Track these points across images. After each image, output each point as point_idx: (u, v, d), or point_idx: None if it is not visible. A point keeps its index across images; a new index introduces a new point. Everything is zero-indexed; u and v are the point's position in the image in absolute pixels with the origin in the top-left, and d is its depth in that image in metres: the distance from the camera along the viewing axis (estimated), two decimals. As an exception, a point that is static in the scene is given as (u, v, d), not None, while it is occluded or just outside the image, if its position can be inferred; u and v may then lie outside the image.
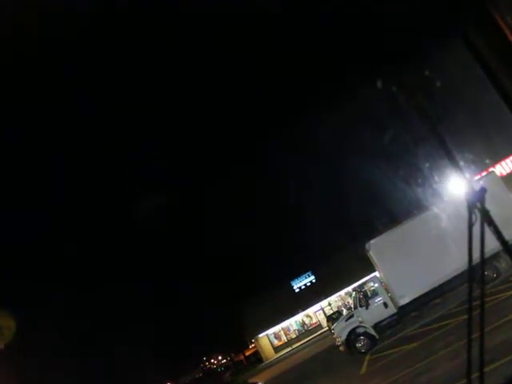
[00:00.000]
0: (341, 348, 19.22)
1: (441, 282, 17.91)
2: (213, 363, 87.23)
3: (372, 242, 19.71)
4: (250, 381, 19.76)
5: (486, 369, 2.12)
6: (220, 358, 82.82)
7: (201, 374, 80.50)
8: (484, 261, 2.21)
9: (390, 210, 23.14)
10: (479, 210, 2.22)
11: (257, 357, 54.56)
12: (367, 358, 17.19)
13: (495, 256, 16.46)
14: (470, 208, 2.22)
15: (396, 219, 21.42)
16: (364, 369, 15.67)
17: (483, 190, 2.27)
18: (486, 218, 2.22)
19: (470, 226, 2.21)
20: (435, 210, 17.32)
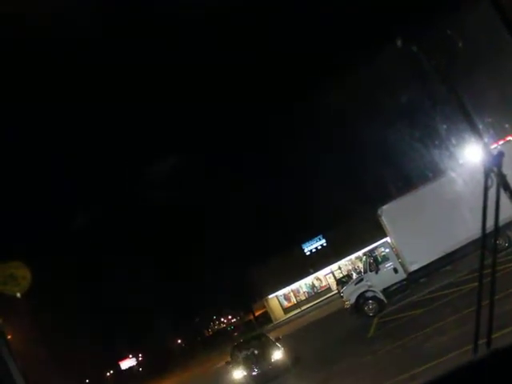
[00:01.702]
0: (349, 311, 19.36)
1: (452, 249, 17.86)
2: (223, 322, 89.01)
3: (384, 207, 19.63)
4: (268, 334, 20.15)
5: (494, 335, 2.05)
6: (230, 317, 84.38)
7: (211, 333, 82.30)
8: (498, 225, 2.11)
9: (405, 175, 22.89)
10: (496, 175, 2.11)
11: (266, 317, 55.41)
12: (375, 321, 17.32)
13: (508, 225, 16.33)
14: (487, 172, 2.11)
15: (411, 184, 21.21)
16: (371, 332, 15.81)
17: (501, 154, 2.17)
18: (503, 183, 2.11)
19: (486, 189, 2.11)
20: (450, 176, 17.06)
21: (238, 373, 17.30)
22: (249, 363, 17.39)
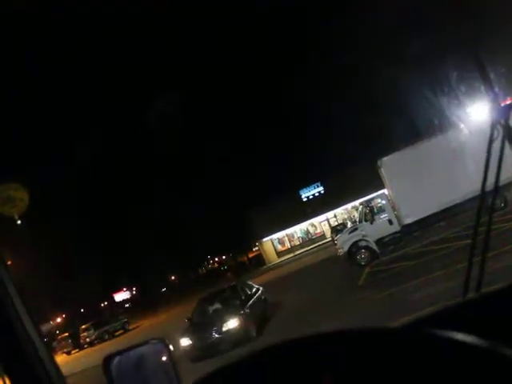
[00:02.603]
0: (342, 259, 19.66)
1: (448, 205, 17.97)
2: (217, 262, 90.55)
3: (385, 158, 19.60)
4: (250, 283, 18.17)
5: (484, 290, 2.08)
6: (224, 257, 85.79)
7: (204, 271, 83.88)
8: (499, 178, 2.10)
9: (410, 126, 22.61)
10: (502, 126, 2.08)
11: (259, 260, 56.35)
12: (366, 270, 17.62)
13: (507, 186, 16.36)
14: (494, 123, 2.08)
15: (414, 136, 20.99)
16: (362, 281, 16.10)
17: (510, 106, 2.12)
18: (509, 135, 2.08)
19: (491, 141, 2.08)
20: (454, 130, 16.88)
21: (185, 340, 13.67)
22: (202, 327, 13.96)
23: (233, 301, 15.00)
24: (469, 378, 0.58)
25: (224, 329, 13.48)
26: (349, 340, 0.66)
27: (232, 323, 13.51)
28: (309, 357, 0.65)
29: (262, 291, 16.99)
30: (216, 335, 13.50)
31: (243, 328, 13.48)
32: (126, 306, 72.08)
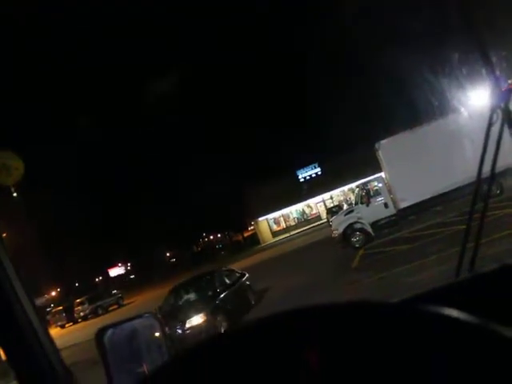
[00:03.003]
0: (336, 240, 19.75)
1: (445, 190, 17.99)
2: (212, 240, 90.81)
3: (383, 141, 19.58)
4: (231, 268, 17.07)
5: (476, 271, 2.10)
6: (219, 236, 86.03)
7: (199, 249, 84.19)
8: (496, 161, 2.10)
9: (409, 110, 22.51)
10: (502, 110, 2.07)
11: (254, 239, 56.55)
12: (360, 253, 17.71)
13: (503, 173, 16.36)
14: (493, 107, 2.07)
15: (414, 120, 20.93)
16: (355, 263, 16.19)
17: (510, 91, 2.11)
18: (508, 119, 2.07)
19: (490, 125, 2.08)
20: (453, 116, 16.83)
21: None
22: (168, 320, 11.98)
23: (204, 291, 13.76)
24: (457, 353, 0.59)
25: (187, 325, 12.07)
26: (335, 314, 0.67)
27: (196, 320, 12.10)
28: (293, 331, 0.65)
29: (245, 278, 15.72)
30: (179, 331, 11.99)
31: (209, 325, 11.95)
32: (124, 280, 72.42)
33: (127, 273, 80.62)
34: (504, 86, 2.17)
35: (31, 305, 1.57)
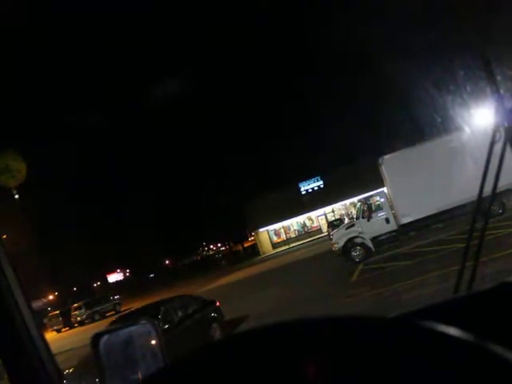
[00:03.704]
0: (336, 254, 19.70)
1: (446, 207, 17.95)
2: (211, 249, 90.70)
3: (386, 156, 19.58)
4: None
5: (474, 289, 2.09)
6: (219, 245, 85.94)
7: (199, 258, 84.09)
8: (497, 181, 2.10)
9: (413, 126, 22.55)
10: (505, 129, 2.07)
11: (254, 250, 56.44)
12: (360, 267, 17.66)
13: (505, 192, 16.39)
14: (496, 125, 2.07)
15: (417, 136, 20.96)
16: (355, 277, 16.14)
17: None
18: (510, 138, 2.07)
19: (492, 144, 2.08)
20: (456, 133, 16.84)
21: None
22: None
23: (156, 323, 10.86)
24: (452, 371, 0.58)
25: None
26: (332, 327, 0.67)
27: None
28: (290, 342, 0.65)
29: (212, 309, 13.27)
30: None
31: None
32: (120, 286, 72.28)
33: (125, 279, 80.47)
34: (508, 105, 2.17)
35: (28, 307, 1.56)
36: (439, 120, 16.39)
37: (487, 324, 1.11)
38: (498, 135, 2.08)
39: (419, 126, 20.76)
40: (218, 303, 13.74)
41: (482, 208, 2.31)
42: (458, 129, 16.29)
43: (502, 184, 2.20)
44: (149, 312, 11.86)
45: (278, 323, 0.67)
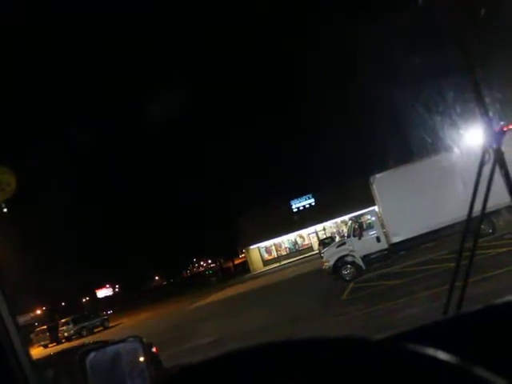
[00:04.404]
0: (327, 272, 19.66)
1: (437, 227, 18.02)
2: (202, 266, 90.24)
3: (377, 175, 19.68)
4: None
5: (463, 310, 2.09)
6: (209, 261, 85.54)
7: (189, 274, 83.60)
8: (486, 203, 2.12)
9: (404, 145, 22.72)
10: (494, 151, 2.10)
11: (245, 267, 56.19)
12: (350, 286, 17.62)
13: (495, 212, 16.53)
14: (485, 147, 2.10)
15: (408, 155, 21.12)
16: (345, 296, 16.10)
17: (502, 132, 2.15)
18: (499, 160, 2.10)
19: (481, 165, 2.10)
20: (447, 153, 16.96)
21: None
22: None
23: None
24: None
25: None
26: (313, 348, 0.66)
27: None
28: (270, 365, 0.65)
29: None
30: None
31: None
32: (109, 302, 71.61)
33: (114, 294, 79.75)
34: (496, 127, 2.20)
35: (13, 322, 1.54)
36: (429, 140, 16.53)
37: (475, 347, 1.11)
38: (487, 156, 2.10)
39: (409, 146, 20.93)
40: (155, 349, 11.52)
41: (472, 228, 2.32)
42: (448, 149, 16.43)
43: (492, 204, 2.22)
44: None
45: (257, 345, 0.66)
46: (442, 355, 0.59)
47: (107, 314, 40.46)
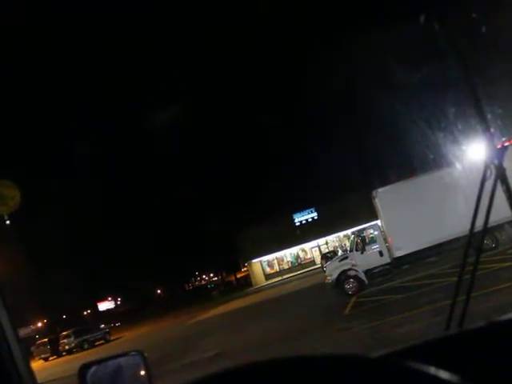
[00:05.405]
0: (329, 286, 19.58)
1: (440, 241, 17.97)
2: (204, 279, 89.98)
3: (380, 190, 19.67)
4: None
5: (465, 327, 2.09)
6: (212, 275, 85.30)
7: (191, 287, 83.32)
8: (488, 218, 2.12)
9: (407, 160, 22.76)
10: (496, 167, 2.11)
11: (247, 280, 56.01)
12: (353, 300, 17.54)
13: (498, 227, 16.50)
14: (487, 163, 2.11)
15: (411, 170, 21.14)
16: (348, 310, 16.01)
17: (504, 148, 2.16)
18: (501, 176, 2.11)
19: (483, 180, 2.11)
20: (450, 168, 16.98)
21: None
22: None
23: None
24: None
25: None
26: (311, 366, 0.66)
27: None
28: (278, 380, 0.65)
29: None
30: None
31: None
32: (111, 315, 71.32)
33: (116, 307, 79.48)
34: (498, 143, 2.22)
35: (14, 334, 1.54)
36: (431, 156, 16.56)
37: (477, 365, 1.10)
38: (488, 172, 2.11)
39: (412, 161, 20.95)
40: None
41: (475, 242, 2.32)
42: (451, 164, 16.45)
43: (495, 219, 2.22)
44: None
45: (257, 363, 0.66)
46: (443, 374, 0.59)
47: (115, 326, 40.17)
